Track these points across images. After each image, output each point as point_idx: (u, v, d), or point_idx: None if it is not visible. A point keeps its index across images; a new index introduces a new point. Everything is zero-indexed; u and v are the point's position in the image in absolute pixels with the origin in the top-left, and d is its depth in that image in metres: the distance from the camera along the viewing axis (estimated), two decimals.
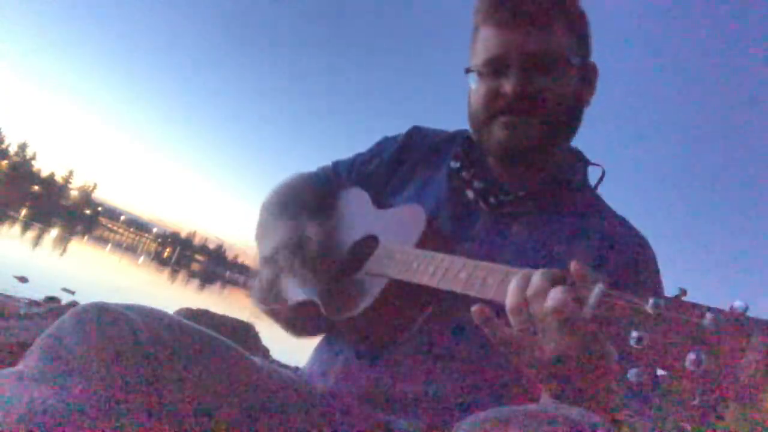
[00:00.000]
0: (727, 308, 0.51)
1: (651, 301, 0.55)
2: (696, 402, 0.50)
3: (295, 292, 1.08)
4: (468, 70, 1.02)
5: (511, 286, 0.71)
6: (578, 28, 1.01)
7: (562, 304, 0.63)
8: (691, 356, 0.51)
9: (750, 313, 0.50)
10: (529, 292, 0.68)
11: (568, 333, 0.64)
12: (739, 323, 0.50)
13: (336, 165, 1.28)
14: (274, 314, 1.14)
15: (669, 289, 0.57)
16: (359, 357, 0.97)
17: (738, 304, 0.51)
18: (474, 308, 0.71)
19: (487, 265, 0.79)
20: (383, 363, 0.94)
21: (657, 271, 0.98)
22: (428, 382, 0.91)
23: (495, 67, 0.97)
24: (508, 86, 0.94)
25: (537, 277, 0.69)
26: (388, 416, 0.91)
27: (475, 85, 1.01)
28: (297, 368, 1.16)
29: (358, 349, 0.98)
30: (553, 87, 0.95)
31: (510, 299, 0.70)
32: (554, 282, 0.67)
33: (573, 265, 0.66)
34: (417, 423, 0.90)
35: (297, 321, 1.12)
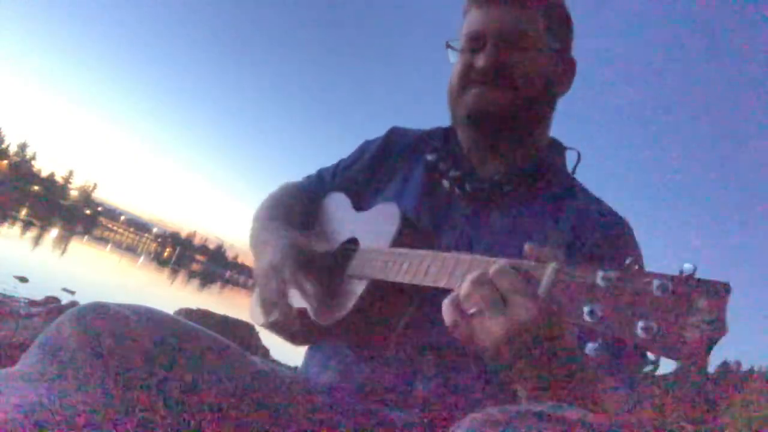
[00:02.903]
0: (677, 273, 0.51)
1: (600, 273, 0.55)
2: (650, 369, 0.50)
3: (287, 300, 1.09)
4: (448, 45, 1.08)
5: (468, 276, 0.70)
6: (556, 19, 1.06)
7: (514, 285, 0.63)
8: (640, 324, 0.51)
9: (699, 275, 0.50)
10: (482, 277, 0.67)
11: (522, 314, 0.63)
12: (685, 287, 0.50)
13: (320, 172, 1.31)
14: (273, 327, 1.15)
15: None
16: (354, 356, 0.98)
17: (687, 267, 0.51)
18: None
19: (454, 256, 0.80)
20: (378, 360, 0.95)
21: (636, 249, 0.99)
22: (423, 376, 0.92)
23: (472, 43, 1.04)
24: (481, 60, 1.01)
25: (490, 264, 0.68)
26: (387, 411, 0.92)
27: (454, 60, 1.08)
28: (296, 368, 1.17)
29: (351, 349, 0.99)
30: (524, 64, 1.01)
31: (465, 284, 0.69)
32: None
33: (527, 247, 0.66)
34: (416, 417, 0.91)
35: (294, 330, 1.13)
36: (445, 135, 1.16)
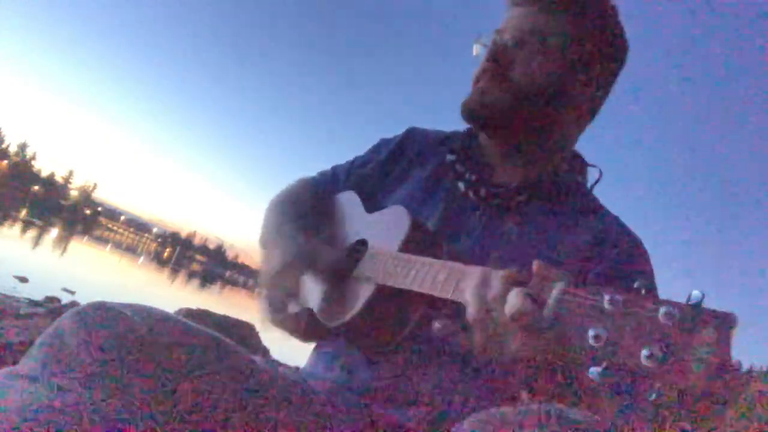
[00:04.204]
0: (684, 300, 0.50)
1: (607, 297, 0.54)
2: (653, 398, 0.50)
3: (296, 300, 1.10)
4: (477, 41, 1.06)
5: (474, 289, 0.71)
6: (594, 38, 1.01)
7: (521, 309, 0.62)
8: (645, 352, 0.50)
9: (707, 303, 0.49)
10: (489, 296, 0.68)
11: (529, 335, 0.64)
12: (691, 315, 0.49)
13: (335, 169, 1.29)
14: (282, 324, 1.15)
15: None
16: (359, 356, 0.98)
17: (695, 294, 0.50)
18: (434, 325, 0.73)
19: (462, 267, 0.79)
20: (383, 361, 0.95)
21: (649, 269, 0.98)
22: (429, 378, 0.92)
23: (494, 40, 1.03)
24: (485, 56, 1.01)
25: (497, 280, 0.69)
26: (390, 411, 0.92)
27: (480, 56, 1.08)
28: (297, 368, 1.17)
29: (357, 350, 0.99)
30: (526, 63, 0.99)
31: (472, 303, 0.70)
32: (514, 285, 0.66)
33: (535, 265, 0.65)
34: (419, 417, 0.91)
35: (301, 328, 1.13)
36: (468, 138, 1.14)
